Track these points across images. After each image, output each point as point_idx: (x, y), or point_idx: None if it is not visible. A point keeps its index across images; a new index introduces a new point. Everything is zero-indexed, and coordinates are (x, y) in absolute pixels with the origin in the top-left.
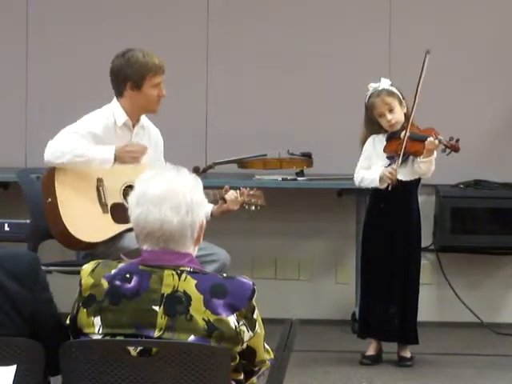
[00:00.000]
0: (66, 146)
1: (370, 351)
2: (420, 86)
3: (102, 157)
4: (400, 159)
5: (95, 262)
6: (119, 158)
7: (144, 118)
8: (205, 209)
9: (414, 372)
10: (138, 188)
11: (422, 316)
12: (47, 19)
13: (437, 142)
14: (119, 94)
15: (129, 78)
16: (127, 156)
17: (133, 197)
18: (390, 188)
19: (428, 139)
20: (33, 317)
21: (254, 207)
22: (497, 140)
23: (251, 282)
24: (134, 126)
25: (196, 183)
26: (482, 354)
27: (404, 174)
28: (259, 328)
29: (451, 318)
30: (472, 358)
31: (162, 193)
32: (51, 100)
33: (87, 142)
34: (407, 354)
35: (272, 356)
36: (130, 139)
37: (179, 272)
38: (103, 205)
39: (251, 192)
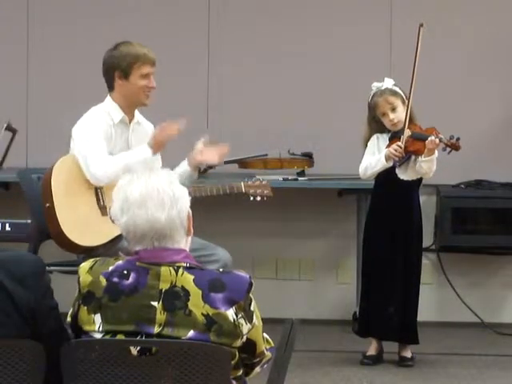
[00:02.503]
0: (118, 169)
1: (371, 351)
2: (417, 60)
3: (143, 159)
4: (404, 136)
5: (93, 259)
6: (157, 149)
7: (138, 115)
8: (187, 199)
9: (415, 372)
10: (117, 196)
11: (422, 316)
12: (47, 19)
13: (437, 140)
14: (110, 87)
15: (116, 66)
16: (162, 142)
17: (115, 206)
18: (397, 166)
19: (429, 138)
20: (34, 320)
21: (259, 198)
22: (497, 140)
23: (248, 276)
24: (129, 123)
25: (170, 175)
26: (483, 354)
27: (405, 174)
28: (257, 319)
29: (452, 317)
30: (473, 358)
31: (143, 194)
32: (51, 100)
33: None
34: (408, 353)
35: (272, 345)
36: (128, 136)
37: (176, 268)
38: (101, 207)
39: (256, 183)
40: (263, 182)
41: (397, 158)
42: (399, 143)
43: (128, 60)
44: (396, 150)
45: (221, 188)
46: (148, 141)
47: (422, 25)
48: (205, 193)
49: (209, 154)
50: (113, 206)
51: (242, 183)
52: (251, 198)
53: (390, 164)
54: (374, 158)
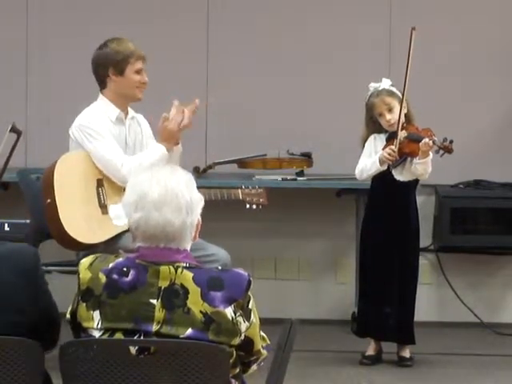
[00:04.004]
0: (140, 170)
1: (370, 351)
2: (409, 64)
3: (163, 155)
4: (398, 138)
5: (93, 256)
6: (168, 141)
7: (130, 109)
8: (201, 206)
9: (414, 372)
10: (133, 192)
11: (421, 316)
12: (47, 19)
13: (431, 143)
14: (103, 86)
15: (110, 64)
16: (169, 133)
17: (130, 200)
18: (391, 169)
19: (422, 141)
20: (35, 308)
21: (255, 206)
22: (497, 140)
23: (247, 274)
24: (125, 118)
25: (191, 180)
26: (482, 354)
27: (402, 175)
28: (254, 317)
29: (451, 318)
30: (472, 358)
31: (161, 196)
32: (51, 100)
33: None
34: (407, 354)
35: (268, 342)
36: (125, 133)
37: (175, 266)
38: (102, 206)
39: (252, 191)
40: (259, 191)
41: (390, 162)
42: (392, 147)
43: (122, 56)
44: (390, 154)
45: (219, 193)
46: (150, 135)
47: (414, 28)
48: (203, 197)
49: (178, 117)
50: (126, 197)
51: (240, 190)
52: (247, 206)
53: (385, 167)
54: (370, 160)
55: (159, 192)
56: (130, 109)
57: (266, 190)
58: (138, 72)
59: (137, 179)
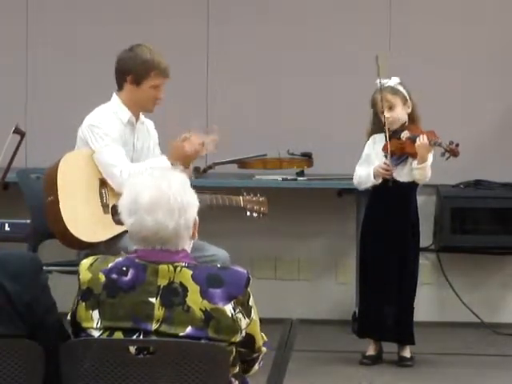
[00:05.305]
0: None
1: (370, 351)
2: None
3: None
4: (389, 156)
5: (94, 257)
6: (175, 161)
7: (140, 114)
8: (196, 206)
9: (414, 372)
10: (127, 196)
11: (422, 316)
12: (47, 19)
13: (426, 141)
14: (119, 87)
15: (130, 71)
16: (184, 159)
17: (123, 205)
18: (390, 184)
19: (417, 139)
20: (32, 318)
21: (256, 214)
22: (497, 140)
23: (245, 271)
24: (136, 122)
25: (184, 182)
26: (482, 354)
27: (402, 175)
28: (254, 314)
29: (451, 317)
30: (472, 358)
31: (153, 200)
32: (51, 100)
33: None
34: (407, 354)
35: (266, 339)
36: (134, 136)
37: (174, 266)
38: (104, 205)
39: (254, 198)
40: (261, 199)
41: (387, 177)
42: (387, 161)
43: (144, 67)
44: (384, 169)
45: (220, 199)
46: (157, 141)
47: (377, 57)
48: (205, 202)
49: (196, 142)
50: (121, 201)
51: (241, 198)
52: (247, 213)
53: (380, 181)
54: (365, 172)
55: (150, 196)
56: (140, 114)
57: (263, 191)
58: (156, 87)
59: (130, 183)
